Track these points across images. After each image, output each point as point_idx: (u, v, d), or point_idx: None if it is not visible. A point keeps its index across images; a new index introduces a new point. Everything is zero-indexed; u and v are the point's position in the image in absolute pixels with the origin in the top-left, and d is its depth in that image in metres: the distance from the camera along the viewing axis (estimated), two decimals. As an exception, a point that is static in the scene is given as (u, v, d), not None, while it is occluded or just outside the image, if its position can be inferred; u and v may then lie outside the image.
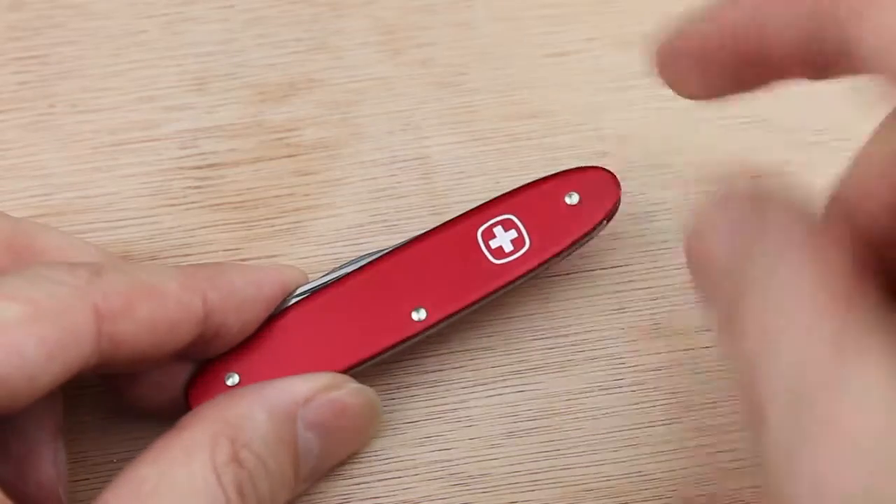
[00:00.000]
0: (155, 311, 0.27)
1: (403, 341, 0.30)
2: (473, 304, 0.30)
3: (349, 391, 0.29)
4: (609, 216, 0.31)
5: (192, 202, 0.34)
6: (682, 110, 0.36)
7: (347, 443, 0.30)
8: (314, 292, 0.30)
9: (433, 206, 0.34)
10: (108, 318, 0.26)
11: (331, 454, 0.30)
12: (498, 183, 0.34)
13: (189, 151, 0.35)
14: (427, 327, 0.30)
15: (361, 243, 0.34)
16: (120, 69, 0.36)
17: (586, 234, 0.31)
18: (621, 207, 0.32)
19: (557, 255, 0.30)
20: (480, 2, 0.37)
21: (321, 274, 0.31)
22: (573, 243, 0.31)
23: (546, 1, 0.37)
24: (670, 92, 0.35)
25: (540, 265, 0.30)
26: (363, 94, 0.36)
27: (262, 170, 0.35)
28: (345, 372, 0.30)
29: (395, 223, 0.34)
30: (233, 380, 0.29)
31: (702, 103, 0.35)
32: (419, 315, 0.30)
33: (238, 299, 0.29)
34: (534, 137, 0.35)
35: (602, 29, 0.37)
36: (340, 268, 0.31)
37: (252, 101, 0.36)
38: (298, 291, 0.30)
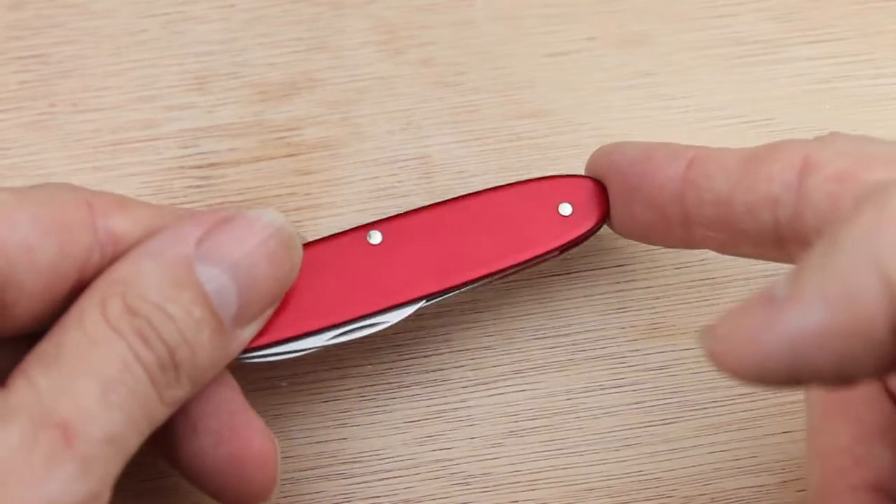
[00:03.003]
0: (147, 210, 0.27)
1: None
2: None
3: (246, 219, 0.27)
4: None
5: (193, 201, 0.34)
6: (683, 110, 0.36)
7: (268, 274, 0.28)
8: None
9: (434, 206, 0.34)
10: (102, 213, 0.27)
11: (255, 290, 0.27)
12: (498, 182, 0.34)
13: (190, 151, 0.35)
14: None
15: (362, 243, 0.34)
16: (120, 68, 0.36)
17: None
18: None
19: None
20: (481, 1, 0.37)
21: None
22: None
23: (546, 0, 0.37)
24: (670, 91, 0.36)
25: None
26: (364, 94, 0.36)
27: (262, 169, 0.35)
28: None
29: (395, 222, 0.34)
30: None
31: (702, 103, 0.35)
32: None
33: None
34: (534, 137, 0.35)
35: (602, 28, 0.37)
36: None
37: (253, 100, 0.36)
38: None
